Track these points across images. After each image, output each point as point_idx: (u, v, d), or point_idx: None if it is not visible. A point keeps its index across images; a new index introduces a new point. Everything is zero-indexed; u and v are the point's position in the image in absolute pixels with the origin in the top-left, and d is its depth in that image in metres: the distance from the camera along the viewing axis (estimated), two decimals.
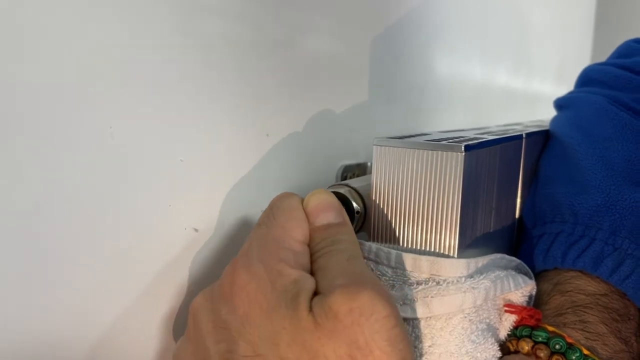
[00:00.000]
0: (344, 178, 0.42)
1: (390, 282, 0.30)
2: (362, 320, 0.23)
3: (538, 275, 0.36)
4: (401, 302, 0.29)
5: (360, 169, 0.44)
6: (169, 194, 0.29)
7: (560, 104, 0.43)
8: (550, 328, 0.32)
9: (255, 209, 0.34)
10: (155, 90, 0.27)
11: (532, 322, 0.32)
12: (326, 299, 0.24)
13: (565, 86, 1.09)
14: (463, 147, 0.28)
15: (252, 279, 0.25)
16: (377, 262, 0.30)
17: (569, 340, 0.31)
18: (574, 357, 0.30)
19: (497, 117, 0.74)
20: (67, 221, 0.24)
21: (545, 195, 0.38)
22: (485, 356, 0.30)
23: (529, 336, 0.32)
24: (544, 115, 0.92)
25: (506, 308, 0.32)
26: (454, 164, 0.28)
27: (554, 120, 0.43)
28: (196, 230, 0.30)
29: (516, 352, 0.32)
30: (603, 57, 0.48)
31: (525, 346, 0.31)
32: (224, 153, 0.32)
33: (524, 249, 0.39)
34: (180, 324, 0.30)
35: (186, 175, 0.29)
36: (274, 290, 0.25)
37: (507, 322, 0.33)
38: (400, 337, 0.24)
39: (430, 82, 0.55)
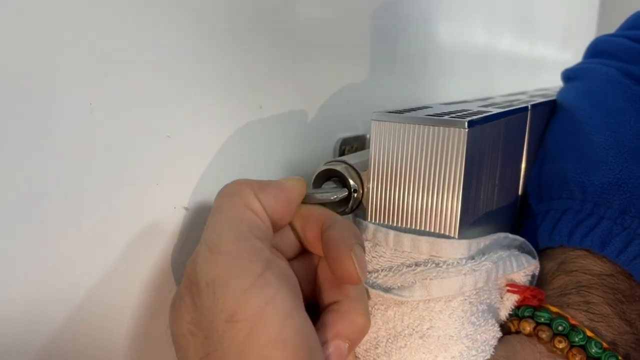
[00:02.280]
0: (342, 152, 0.41)
1: (388, 263, 0.28)
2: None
3: (542, 253, 0.35)
4: (399, 284, 0.28)
5: (359, 142, 0.43)
6: (156, 172, 0.27)
7: (569, 75, 0.41)
8: (553, 309, 0.31)
9: None
10: (139, 61, 0.26)
11: (534, 302, 0.31)
12: None
13: (570, 51, 1.06)
14: (466, 123, 0.27)
15: None
16: (374, 243, 0.29)
17: (573, 322, 0.30)
18: (577, 339, 0.29)
19: (500, 84, 0.73)
20: (46, 200, 0.23)
21: (553, 170, 0.37)
22: (486, 337, 0.29)
23: (531, 317, 0.31)
24: (547, 81, 0.90)
25: (508, 288, 0.31)
26: (457, 140, 0.27)
27: (563, 92, 0.41)
28: (186, 208, 0.29)
29: (517, 332, 0.31)
30: (609, 22, 0.46)
31: (527, 327, 0.31)
32: (214, 127, 0.30)
33: (527, 225, 0.38)
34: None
35: (174, 152, 0.28)
36: None
37: (509, 301, 0.32)
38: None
39: (431, 49, 0.53)
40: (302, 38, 0.36)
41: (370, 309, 0.29)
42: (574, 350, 0.29)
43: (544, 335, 0.30)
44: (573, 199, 0.35)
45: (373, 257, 0.29)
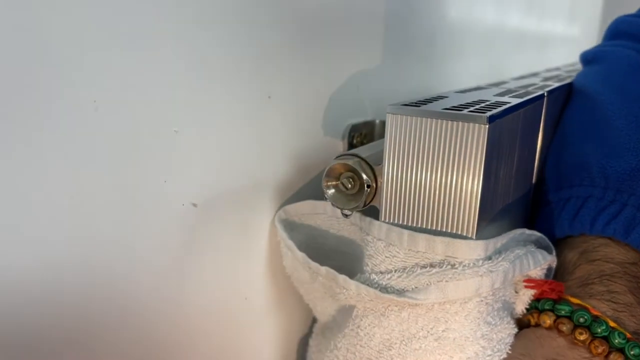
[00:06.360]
0: (351, 138, 0.40)
1: (402, 264, 0.28)
2: None
3: (561, 242, 0.34)
4: (413, 286, 0.27)
5: (368, 128, 0.42)
6: (164, 168, 0.26)
7: (588, 58, 0.40)
8: (574, 300, 0.30)
9: (258, 179, 0.32)
10: (143, 55, 0.24)
11: (553, 295, 0.30)
12: None
13: (577, 26, 1.04)
14: (487, 118, 0.26)
15: None
16: (388, 243, 0.28)
17: (594, 313, 0.29)
18: (599, 330, 0.29)
19: (509, 62, 0.71)
20: (50, 200, 0.22)
21: (573, 156, 0.36)
22: (501, 336, 0.29)
23: (552, 309, 0.30)
24: (555, 57, 0.88)
25: (525, 283, 0.31)
26: (477, 136, 0.26)
27: (582, 75, 0.40)
28: (195, 205, 0.28)
29: (537, 325, 0.31)
30: None
31: (547, 320, 0.30)
32: (221, 120, 0.29)
33: (544, 214, 0.36)
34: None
35: (181, 147, 0.27)
36: None
37: (525, 296, 0.31)
38: None
39: (440, 30, 0.51)
40: (310, 24, 0.34)
41: (383, 310, 0.28)
42: (596, 342, 0.29)
43: (564, 328, 0.29)
44: (594, 186, 0.34)
45: (386, 257, 0.28)
